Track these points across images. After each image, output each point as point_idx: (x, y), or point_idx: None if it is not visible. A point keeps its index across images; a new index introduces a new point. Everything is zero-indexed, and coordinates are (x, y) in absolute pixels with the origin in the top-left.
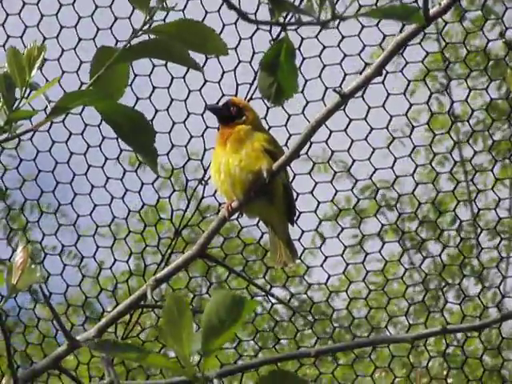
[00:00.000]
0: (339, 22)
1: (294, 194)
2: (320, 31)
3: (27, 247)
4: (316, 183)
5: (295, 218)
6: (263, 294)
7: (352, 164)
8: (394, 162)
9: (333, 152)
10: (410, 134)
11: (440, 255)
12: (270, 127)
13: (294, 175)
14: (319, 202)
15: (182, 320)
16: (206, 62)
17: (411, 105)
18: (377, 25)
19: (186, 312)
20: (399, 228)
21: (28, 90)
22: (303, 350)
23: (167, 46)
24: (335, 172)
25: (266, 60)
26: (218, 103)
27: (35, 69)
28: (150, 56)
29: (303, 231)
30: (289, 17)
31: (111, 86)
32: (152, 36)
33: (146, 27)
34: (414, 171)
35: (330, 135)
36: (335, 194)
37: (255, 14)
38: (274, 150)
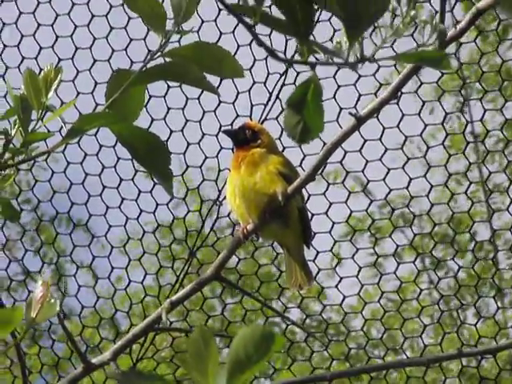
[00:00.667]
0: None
1: (309, 215)
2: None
3: (47, 281)
4: (331, 203)
5: (311, 241)
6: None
7: (367, 183)
8: (410, 181)
9: (347, 172)
10: (425, 153)
11: (456, 274)
12: (284, 148)
13: (309, 195)
14: (334, 223)
15: (208, 353)
16: (220, 82)
17: (426, 125)
18: (391, 45)
19: (211, 345)
20: (412, 247)
21: (44, 112)
22: (319, 373)
23: (183, 69)
24: (350, 192)
25: (293, 99)
26: (232, 124)
27: (52, 91)
28: (166, 79)
29: (318, 252)
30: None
31: (127, 108)
32: (168, 59)
33: (161, 50)
34: (430, 190)
35: (344, 155)
36: (350, 214)
37: (269, 35)
38: (289, 173)
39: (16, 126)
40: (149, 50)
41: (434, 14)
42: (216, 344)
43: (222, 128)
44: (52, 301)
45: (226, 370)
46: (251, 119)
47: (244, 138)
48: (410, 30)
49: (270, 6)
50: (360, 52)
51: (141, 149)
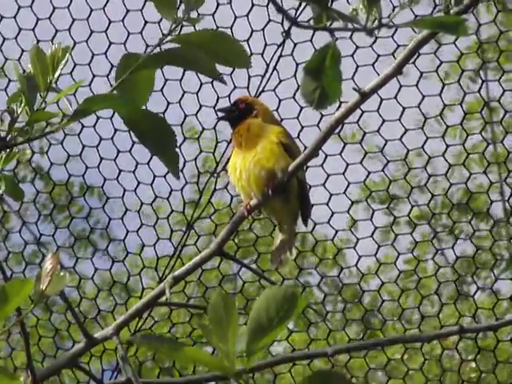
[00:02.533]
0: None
1: (325, 176)
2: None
3: (57, 254)
4: (347, 164)
5: (308, 217)
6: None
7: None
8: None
9: (365, 133)
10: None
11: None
12: (281, 119)
13: (326, 156)
14: (349, 183)
15: (229, 318)
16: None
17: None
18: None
19: (232, 310)
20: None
21: (51, 93)
22: (320, 349)
23: (191, 56)
24: (366, 152)
25: (311, 65)
26: (230, 95)
27: (59, 70)
28: (174, 64)
29: (333, 213)
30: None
31: (135, 91)
32: (177, 44)
33: (171, 36)
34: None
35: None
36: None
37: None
38: (290, 144)
39: (21, 105)
40: (163, 34)
41: None
42: (236, 310)
43: (218, 112)
44: (61, 273)
45: (247, 334)
46: (248, 91)
47: (238, 113)
48: None
49: None
50: (378, 19)
51: (146, 131)
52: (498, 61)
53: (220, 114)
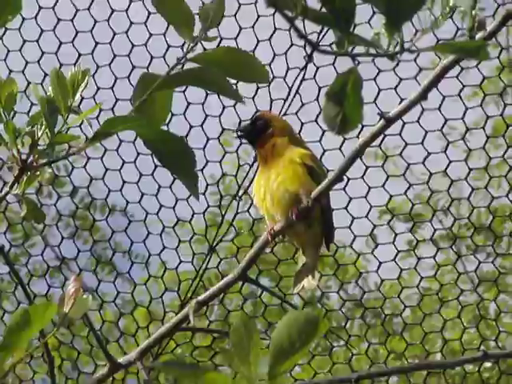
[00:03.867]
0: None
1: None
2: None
3: (80, 276)
4: (369, 187)
5: (331, 242)
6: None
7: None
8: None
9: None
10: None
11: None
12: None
13: (348, 179)
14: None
15: (251, 341)
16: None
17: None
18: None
19: (254, 334)
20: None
21: (72, 115)
22: (344, 376)
23: (209, 75)
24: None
25: (332, 90)
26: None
27: (79, 93)
28: (192, 84)
29: (355, 236)
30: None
31: (154, 112)
32: (194, 64)
33: (189, 55)
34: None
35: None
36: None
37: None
38: (313, 166)
39: (42, 128)
40: (168, 46)
41: (473, 5)
42: (258, 333)
43: (235, 131)
44: (85, 296)
45: (269, 358)
46: None
47: (257, 131)
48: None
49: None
50: (400, 44)
51: (166, 152)
52: None
53: (239, 134)
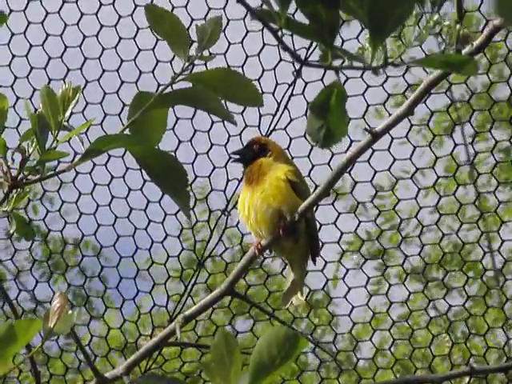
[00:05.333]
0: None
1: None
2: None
3: (65, 292)
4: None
5: (317, 255)
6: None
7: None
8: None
9: (356, 182)
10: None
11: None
12: (292, 158)
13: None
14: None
15: (231, 357)
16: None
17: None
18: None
19: (235, 349)
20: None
21: (62, 131)
22: None
23: (202, 95)
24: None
25: (316, 103)
26: (241, 134)
27: (69, 110)
28: (186, 104)
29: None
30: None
31: (148, 130)
32: (189, 83)
33: (183, 74)
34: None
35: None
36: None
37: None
38: (298, 182)
39: (33, 145)
40: (174, 73)
41: (458, 20)
42: (239, 348)
43: (231, 154)
44: (69, 312)
45: (249, 374)
46: (260, 129)
47: (253, 154)
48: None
49: (293, 13)
50: (384, 56)
51: (158, 170)
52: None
53: (234, 157)
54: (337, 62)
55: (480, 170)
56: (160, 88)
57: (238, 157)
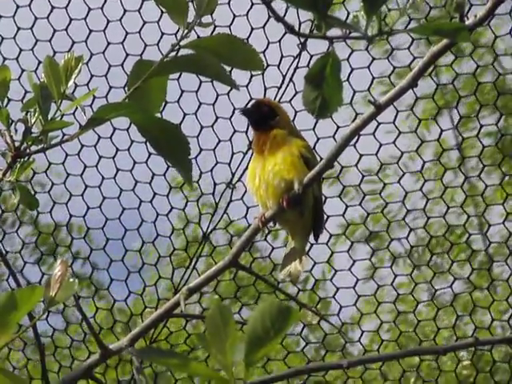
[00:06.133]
0: (387, 36)
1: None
2: (368, 45)
3: (66, 261)
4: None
5: (321, 232)
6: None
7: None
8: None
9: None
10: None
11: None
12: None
13: None
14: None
15: (226, 329)
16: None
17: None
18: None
19: (230, 321)
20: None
21: (65, 102)
22: (336, 361)
23: (204, 61)
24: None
25: (311, 73)
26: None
27: (72, 80)
28: (187, 71)
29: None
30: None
31: (148, 98)
32: (189, 50)
33: (183, 41)
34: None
35: None
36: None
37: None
38: (311, 158)
39: (36, 115)
40: (162, 33)
41: None
42: (234, 320)
43: (237, 109)
44: (71, 279)
45: (244, 346)
46: None
47: (261, 116)
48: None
49: None
50: (378, 26)
51: (160, 139)
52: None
53: (241, 109)
54: (335, 33)
55: None
56: (154, 48)
57: (246, 110)
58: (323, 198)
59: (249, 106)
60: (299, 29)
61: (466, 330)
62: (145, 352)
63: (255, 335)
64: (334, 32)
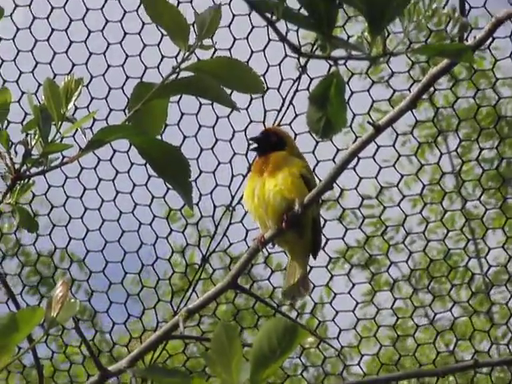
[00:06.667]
0: (389, 58)
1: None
2: (369, 67)
3: (67, 281)
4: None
5: (318, 251)
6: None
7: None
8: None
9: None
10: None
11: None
12: None
13: None
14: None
15: (232, 348)
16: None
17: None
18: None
19: (235, 340)
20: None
21: (66, 124)
22: None
23: (204, 84)
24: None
25: (315, 94)
26: (245, 130)
27: (72, 102)
28: (188, 93)
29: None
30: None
31: (149, 121)
32: (190, 73)
33: (184, 64)
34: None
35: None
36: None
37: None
38: (311, 178)
39: (36, 137)
40: (163, 56)
41: (456, 8)
42: (240, 339)
43: (238, 133)
44: (72, 300)
45: (250, 364)
46: (264, 125)
47: (270, 146)
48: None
49: (298, 9)
50: (382, 46)
51: (161, 161)
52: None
53: (252, 145)
54: (338, 54)
55: None
56: (153, 71)
57: (255, 145)
58: (322, 221)
59: (258, 134)
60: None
61: (463, 355)
62: (148, 371)
63: (261, 354)
64: (337, 53)
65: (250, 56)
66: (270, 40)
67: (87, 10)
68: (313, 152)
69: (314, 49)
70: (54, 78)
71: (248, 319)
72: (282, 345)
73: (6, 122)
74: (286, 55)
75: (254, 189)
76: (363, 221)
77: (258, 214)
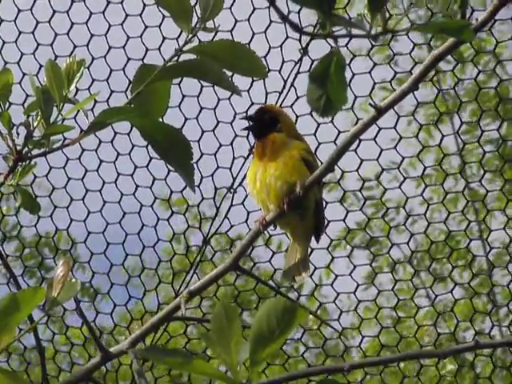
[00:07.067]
0: (392, 37)
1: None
2: (371, 48)
3: (68, 261)
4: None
5: (321, 234)
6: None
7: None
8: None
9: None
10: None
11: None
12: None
13: None
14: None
15: (231, 328)
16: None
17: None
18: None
19: (235, 320)
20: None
21: (67, 106)
22: (336, 364)
23: (206, 67)
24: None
25: (316, 72)
26: (247, 112)
27: (74, 83)
28: (190, 75)
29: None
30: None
31: (151, 103)
32: (192, 55)
33: (187, 46)
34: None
35: None
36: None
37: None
38: (312, 160)
39: (37, 118)
40: (164, 38)
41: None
42: (239, 319)
43: (239, 115)
44: (73, 280)
45: (249, 344)
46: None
47: (263, 125)
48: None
49: None
50: (382, 24)
51: (163, 143)
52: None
53: (245, 125)
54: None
55: None
56: (155, 53)
57: (249, 125)
58: (324, 203)
59: (252, 113)
60: (300, 36)
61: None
62: (148, 351)
63: (260, 334)
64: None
65: (252, 38)
66: (271, 21)
67: None
68: (314, 134)
69: (316, 30)
70: (56, 59)
71: (247, 301)
72: (281, 325)
73: (7, 103)
74: (288, 37)
75: (256, 173)
76: (364, 202)
77: (261, 198)
